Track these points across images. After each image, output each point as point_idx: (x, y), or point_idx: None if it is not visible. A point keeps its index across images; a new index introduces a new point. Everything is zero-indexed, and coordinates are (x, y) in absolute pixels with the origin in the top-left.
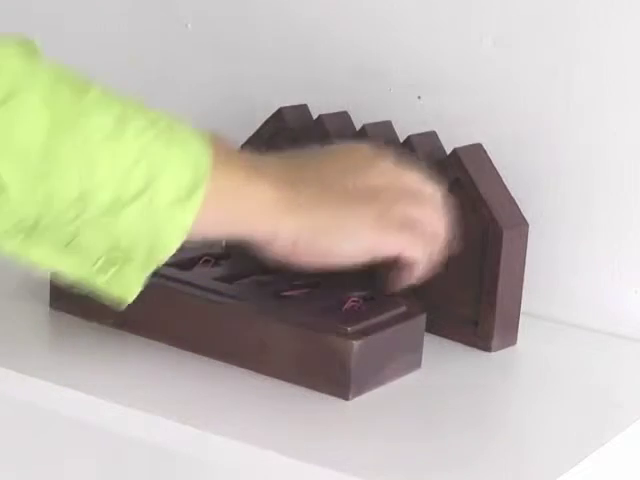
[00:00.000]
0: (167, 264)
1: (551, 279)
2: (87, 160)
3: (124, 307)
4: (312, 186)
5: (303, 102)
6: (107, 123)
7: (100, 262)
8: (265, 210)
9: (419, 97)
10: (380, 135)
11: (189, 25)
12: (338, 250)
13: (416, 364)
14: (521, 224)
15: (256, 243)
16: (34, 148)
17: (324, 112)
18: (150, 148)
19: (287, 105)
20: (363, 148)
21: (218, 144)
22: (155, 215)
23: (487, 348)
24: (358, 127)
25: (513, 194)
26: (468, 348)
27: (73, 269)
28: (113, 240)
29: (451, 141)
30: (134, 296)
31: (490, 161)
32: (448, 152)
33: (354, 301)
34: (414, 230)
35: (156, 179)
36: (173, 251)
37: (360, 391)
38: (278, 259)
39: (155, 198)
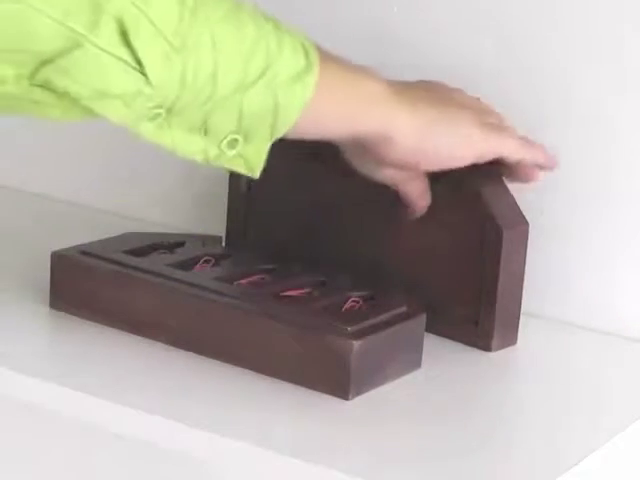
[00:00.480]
0: (167, 264)
1: (551, 279)
2: (213, 35)
3: (256, 177)
4: (416, 90)
5: None
6: (222, 7)
7: (228, 139)
8: (379, 102)
9: None
10: None
11: None
12: (448, 147)
13: (416, 364)
14: (521, 224)
15: (370, 140)
16: (171, 26)
17: None
18: (265, 28)
19: None
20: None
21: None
22: (277, 91)
23: (487, 348)
24: None
25: (519, 195)
26: (468, 348)
27: (204, 149)
28: (241, 118)
29: None
30: (261, 167)
31: (490, 161)
32: None
33: (354, 301)
34: (510, 133)
35: (275, 58)
36: (293, 123)
37: (360, 391)
38: (391, 160)
39: (276, 75)
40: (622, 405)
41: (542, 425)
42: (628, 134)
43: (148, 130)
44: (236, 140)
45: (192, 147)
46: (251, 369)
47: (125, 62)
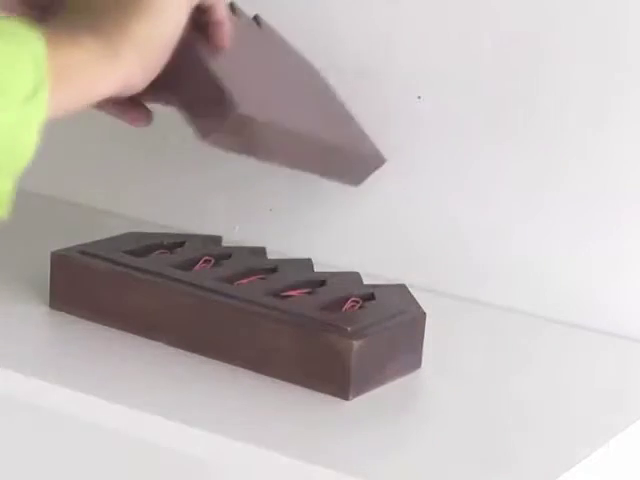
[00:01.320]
0: (167, 264)
1: (551, 279)
2: None
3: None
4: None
5: None
6: None
7: None
8: (97, 66)
9: (419, 97)
10: None
11: None
12: (167, 32)
13: (416, 364)
14: None
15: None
16: None
17: None
18: None
19: None
20: None
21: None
22: (5, 124)
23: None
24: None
25: (519, 196)
26: (467, 348)
27: None
28: None
29: (452, 141)
30: (6, 207)
31: None
32: None
33: (354, 301)
34: None
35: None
36: (33, 151)
37: (360, 391)
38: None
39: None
40: (622, 405)
41: (542, 425)
42: (629, 133)
43: None
44: None
45: None
46: (251, 369)
47: None
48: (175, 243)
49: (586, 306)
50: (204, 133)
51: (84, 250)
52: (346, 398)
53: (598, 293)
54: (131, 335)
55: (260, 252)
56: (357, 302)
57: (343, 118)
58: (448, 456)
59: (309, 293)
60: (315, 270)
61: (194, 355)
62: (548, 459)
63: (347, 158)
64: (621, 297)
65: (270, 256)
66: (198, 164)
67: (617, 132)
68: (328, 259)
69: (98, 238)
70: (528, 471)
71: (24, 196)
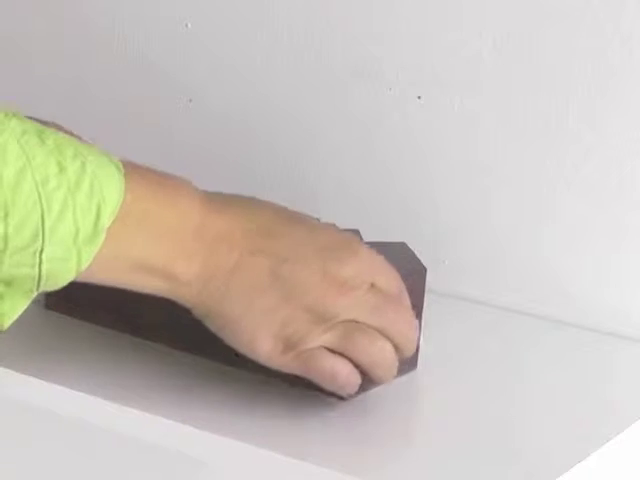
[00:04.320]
0: None
1: (549, 278)
2: None
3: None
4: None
5: (302, 102)
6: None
7: None
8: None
9: (419, 97)
10: None
11: (189, 25)
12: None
13: (414, 364)
14: None
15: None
16: None
17: (322, 113)
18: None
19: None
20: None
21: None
22: (42, 265)
23: None
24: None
25: (522, 196)
26: (465, 348)
27: None
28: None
29: (451, 142)
30: (11, 321)
31: None
32: None
33: None
34: None
35: (49, 232)
36: (62, 284)
37: (359, 391)
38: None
39: (45, 249)
40: (622, 405)
41: (542, 425)
42: (628, 133)
43: None
44: None
45: None
46: (250, 369)
47: None
48: None
49: (587, 306)
50: None
51: None
52: (345, 398)
53: (598, 293)
54: (128, 336)
55: None
56: None
57: None
58: (446, 456)
59: None
60: None
61: (194, 356)
62: (547, 459)
63: None
64: (621, 297)
65: None
66: (201, 165)
67: (620, 129)
68: None
69: None
70: (527, 471)
71: None
